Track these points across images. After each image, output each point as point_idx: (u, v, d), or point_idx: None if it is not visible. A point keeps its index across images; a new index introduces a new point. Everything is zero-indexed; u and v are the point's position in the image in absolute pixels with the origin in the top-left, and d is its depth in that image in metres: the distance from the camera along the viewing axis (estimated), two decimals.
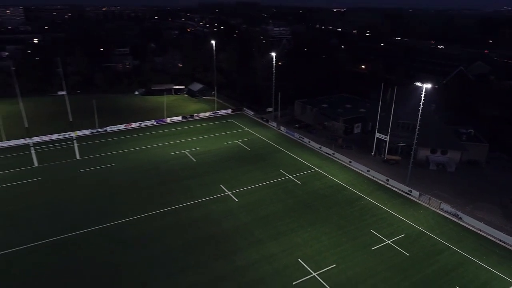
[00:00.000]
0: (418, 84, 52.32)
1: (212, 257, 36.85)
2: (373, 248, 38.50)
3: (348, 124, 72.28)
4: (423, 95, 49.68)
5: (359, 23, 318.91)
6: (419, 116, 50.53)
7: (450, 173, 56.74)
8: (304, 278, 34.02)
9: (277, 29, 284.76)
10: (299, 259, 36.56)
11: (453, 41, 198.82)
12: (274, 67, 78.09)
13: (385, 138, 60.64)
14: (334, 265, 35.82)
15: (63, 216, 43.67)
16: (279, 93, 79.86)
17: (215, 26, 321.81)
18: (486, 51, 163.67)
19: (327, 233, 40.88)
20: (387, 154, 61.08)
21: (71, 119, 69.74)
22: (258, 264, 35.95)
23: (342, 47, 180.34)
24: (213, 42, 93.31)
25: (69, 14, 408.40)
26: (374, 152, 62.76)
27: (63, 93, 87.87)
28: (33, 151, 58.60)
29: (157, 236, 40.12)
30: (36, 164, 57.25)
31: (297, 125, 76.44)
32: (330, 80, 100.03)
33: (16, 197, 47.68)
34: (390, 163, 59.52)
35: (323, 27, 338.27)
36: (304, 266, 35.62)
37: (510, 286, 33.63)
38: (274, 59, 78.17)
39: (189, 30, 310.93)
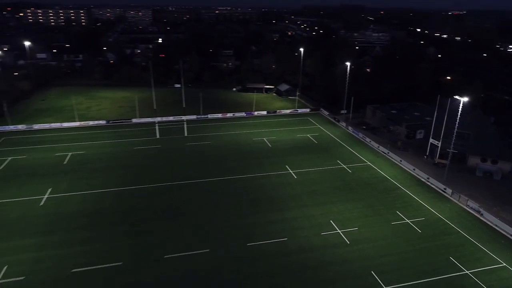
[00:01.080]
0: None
1: (268, 209, 51.69)
2: (392, 223, 49.05)
3: (411, 129, 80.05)
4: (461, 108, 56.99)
5: (473, 28, 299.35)
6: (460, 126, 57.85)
7: (496, 181, 62.07)
8: (330, 232, 46.70)
9: (376, 34, 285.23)
10: (331, 221, 49.22)
11: None
12: (348, 74, 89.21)
13: (437, 143, 68.00)
14: (356, 228, 47.64)
15: (172, 172, 62.98)
16: (352, 98, 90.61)
17: (314, 30, 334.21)
18: None
19: (359, 208, 52.46)
20: (438, 158, 68.33)
21: (184, 106, 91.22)
22: (300, 219, 49.62)
23: (439, 56, 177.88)
24: (301, 49, 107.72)
25: (187, 16, 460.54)
26: (427, 155, 70.36)
27: (179, 85, 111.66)
28: (157, 127, 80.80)
29: (234, 192, 56.47)
30: (158, 136, 79.12)
31: (364, 127, 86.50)
32: (408, 89, 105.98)
33: (142, 157, 69.05)
34: (439, 166, 66.86)
35: (426, 32, 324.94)
36: (333, 225, 48.23)
37: (497, 265, 41.47)
38: (348, 68, 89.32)
39: (289, 33, 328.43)
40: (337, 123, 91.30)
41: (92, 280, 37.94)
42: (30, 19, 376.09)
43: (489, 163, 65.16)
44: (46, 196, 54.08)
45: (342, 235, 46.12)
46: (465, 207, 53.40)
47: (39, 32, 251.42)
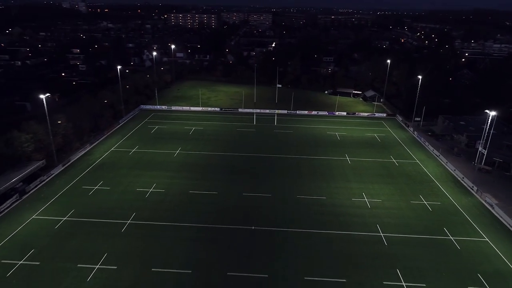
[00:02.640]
0: None
1: (319, 179, 71.53)
2: (411, 202, 64.32)
3: (471, 139, 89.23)
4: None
5: None
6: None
7: None
8: (359, 199, 64.62)
9: (497, 45, 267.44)
10: (363, 193, 66.85)
11: None
12: (419, 86, 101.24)
13: (484, 151, 77.82)
14: (380, 200, 64.47)
15: (260, 148, 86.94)
16: (424, 107, 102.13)
17: (430, 38, 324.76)
18: None
19: (390, 189, 68.52)
20: (483, 164, 78.05)
21: (276, 102, 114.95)
22: (340, 188, 68.35)
23: None
24: (388, 61, 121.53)
25: (304, 21, 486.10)
26: (475, 162, 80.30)
27: (279, 86, 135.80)
28: (254, 116, 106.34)
29: (299, 166, 77.67)
30: (254, 123, 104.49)
31: (429, 133, 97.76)
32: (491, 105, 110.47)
33: (241, 135, 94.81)
34: (482, 171, 76.83)
35: None
36: (363, 195, 65.89)
37: (482, 239, 54.35)
38: (420, 81, 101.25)
39: (402, 40, 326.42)
40: (406, 127, 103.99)
41: (198, 198, 63.98)
42: (172, 21, 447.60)
43: None
44: (177, 152, 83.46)
45: (367, 202, 63.72)
46: (482, 202, 64.95)
47: (178, 34, 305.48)
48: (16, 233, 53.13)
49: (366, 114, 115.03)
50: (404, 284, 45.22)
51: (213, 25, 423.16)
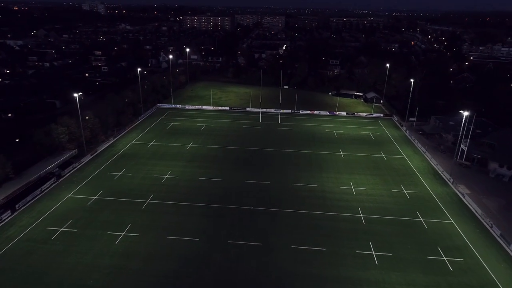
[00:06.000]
0: None
1: (313, 170, 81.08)
2: (392, 190, 73.42)
3: (456, 137, 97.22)
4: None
5: None
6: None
7: (503, 182, 78.32)
8: (346, 187, 74.03)
9: (505, 49, 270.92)
10: (350, 182, 76.23)
11: None
12: (411, 89, 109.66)
13: (464, 148, 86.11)
14: (364, 188, 73.75)
15: (263, 143, 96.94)
16: (417, 108, 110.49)
17: (439, 41, 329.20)
18: None
19: (375, 180, 77.65)
20: (463, 160, 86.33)
21: (280, 102, 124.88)
22: (331, 178, 77.83)
23: None
24: (387, 65, 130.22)
25: (316, 23, 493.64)
26: (457, 157, 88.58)
27: (286, 87, 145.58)
28: (260, 115, 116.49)
29: (297, 159, 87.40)
30: (260, 121, 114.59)
31: (420, 132, 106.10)
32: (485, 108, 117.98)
33: (247, 132, 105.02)
34: (461, 166, 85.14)
35: None
36: (350, 184, 75.27)
37: (448, 221, 63.19)
38: (412, 84, 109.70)
39: (412, 43, 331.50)
40: (400, 127, 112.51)
41: (207, 183, 74.44)
42: (188, 23, 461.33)
43: (505, 169, 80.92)
44: (190, 145, 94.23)
45: (353, 189, 73.14)
46: (455, 191, 73.58)
47: (193, 36, 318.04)
48: (56, 208, 64.51)
49: (364, 114, 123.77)
50: (373, 253, 54.61)
51: (227, 27, 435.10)
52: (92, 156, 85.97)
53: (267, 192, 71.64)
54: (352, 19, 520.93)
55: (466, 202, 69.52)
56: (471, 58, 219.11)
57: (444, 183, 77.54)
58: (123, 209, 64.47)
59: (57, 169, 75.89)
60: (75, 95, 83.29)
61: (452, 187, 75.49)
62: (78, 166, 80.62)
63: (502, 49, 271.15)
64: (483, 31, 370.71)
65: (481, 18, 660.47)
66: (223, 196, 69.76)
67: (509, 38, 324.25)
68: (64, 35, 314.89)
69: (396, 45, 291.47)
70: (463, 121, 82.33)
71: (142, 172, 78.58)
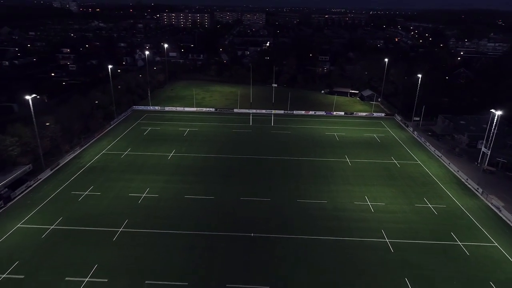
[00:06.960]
0: None
1: (319, 182, 68.90)
2: (416, 205, 61.94)
3: (472, 139, 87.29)
4: None
5: None
6: None
7: None
8: (362, 203, 62.11)
9: (491, 44, 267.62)
10: (365, 196, 64.36)
11: None
12: (418, 85, 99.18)
13: (487, 152, 75.79)
14: (383, 204, 61.99)
15: (256, 149, 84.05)
16: (423, 106, 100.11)
17: (423, 37, 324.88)
18: None
19: (393, 192, 66.10)
20: (487, 165, 76.06)
21: (273, 102, 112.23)
22: (342, 192, 65.77)
23: None
24: (386, 60, 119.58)
25: (298, 20, 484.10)
26: (479, 162, 78.30)
27: (275, 85, 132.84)
28: (251, 117, 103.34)
29: (298, 168, 74.93)
30: (250, 124, 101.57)
31: (429, 133, 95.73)
32: (490, 104, 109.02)
33: (236, 137, 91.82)
34: (486, 172, 74.81)
35: None
36: (366, 199, 63.39)
37: (491, 244, 52.11)
38: (419, 80, 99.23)
39: (396, 40, 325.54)
40: (405, 127, 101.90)
41: (194, 203, 60.92)
42: (165, 20, 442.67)
43: None
44: (171, 154, 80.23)
45: (370, 206, 61.23)
46: (488, 204, 62.83)
47: (171, 34, 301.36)
48: (0, 244, 49.72)
49: (364, 114, 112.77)
50: None
51: (206, 24, 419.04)
52: (53, 171, 70.87)
53: (269, 212, 58.80)
54: (334, 16, 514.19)
55: (504, 218, 58.77)
56: (461, 53, 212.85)
57: (472, 194, 66.74)
58: (88, 242, 50.29)
59: (5, 189, 60.62)
60: (28, 97, 67.85)
61: (483, 198, 64.76)
62: (34, 185, 65.48)
63: (488, 44, 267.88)
64: (466, 27, 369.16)
65: (456, 16, 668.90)
66: (215, 220, 56.45)
67: (492, 34, 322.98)
68: (30, 33, 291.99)
69: (381, 41, 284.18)
70: (490, 122, 71.94)
71: (114, 190, 64.23)
